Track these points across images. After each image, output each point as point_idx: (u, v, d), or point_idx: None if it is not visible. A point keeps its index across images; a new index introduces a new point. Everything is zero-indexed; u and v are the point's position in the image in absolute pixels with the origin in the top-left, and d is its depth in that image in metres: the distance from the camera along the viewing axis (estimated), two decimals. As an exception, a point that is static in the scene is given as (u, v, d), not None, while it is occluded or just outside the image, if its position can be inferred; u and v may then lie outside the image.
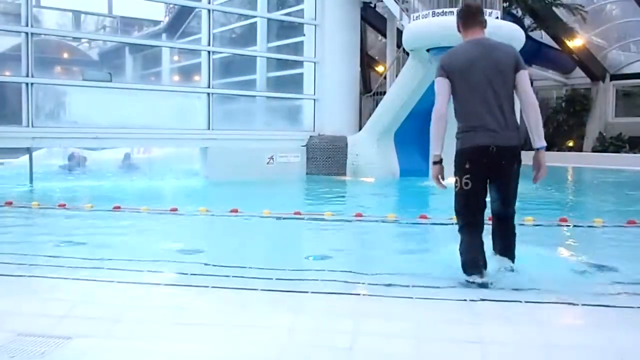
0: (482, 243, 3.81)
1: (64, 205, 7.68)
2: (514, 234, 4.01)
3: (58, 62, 18.51)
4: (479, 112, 3.72)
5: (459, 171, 3.79)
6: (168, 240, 5.69)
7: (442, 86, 3.86)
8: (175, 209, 7.42)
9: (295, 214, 7.07)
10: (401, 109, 12.46)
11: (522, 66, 3.76)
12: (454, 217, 3.98)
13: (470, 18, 3.89)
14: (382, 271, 4.18)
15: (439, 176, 3.86)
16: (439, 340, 2.91)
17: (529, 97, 3.75)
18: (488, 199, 3.91)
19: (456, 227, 3.94)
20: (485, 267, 3.79)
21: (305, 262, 4.64)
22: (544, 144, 3.90)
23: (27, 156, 11.11)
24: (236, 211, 7.18)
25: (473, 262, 3.75)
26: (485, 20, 3.94)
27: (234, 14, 15.66)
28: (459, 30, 3.98)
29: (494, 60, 3.71)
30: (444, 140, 3.83)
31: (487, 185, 3.82)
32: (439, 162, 3.88)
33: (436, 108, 3.84)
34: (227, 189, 10.85)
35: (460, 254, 3.81)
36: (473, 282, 3.69)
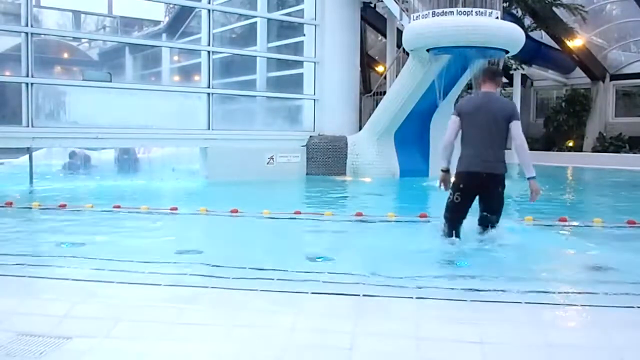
0: (459, 226, 5.10)
1: (64, 205, 7.69)
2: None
3: (58, 62, 18.50)
4: (477, 145, 4.91)
5: (454, 187, 5.04)
6: (168, 240, 5.69)
7: (453, 123, 5.04)
8: (176, 209, 7.42)
9: (295, 213, 7.07)
10: (401, 109, 12.46)
11: (515, 117, 4.90)
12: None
13: (490, 77, 5.14)
14: (381, 271, 4.19)
15: (444, 182, 5.14)
16: (439, 340, 2.91)
17: (518, 142, 4.90)
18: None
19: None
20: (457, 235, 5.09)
21: (305, 262, 4.64)
22: (534, 174, 4.92)
23: (27, 156, 11.11)
24: (236, 211, 7.18)
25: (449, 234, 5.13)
26: (501, 80, 5.35)
27: (234, 14, 15.65)
28: (478, 85, 5.33)
29: (493, 111, 4.90)
30: (452, 155, 5.10)
31: (475, 199, 5.04)
32: (445, 171, 5.13)
33: (445, 138, 5.11)
34: (227, 189, 10.85)
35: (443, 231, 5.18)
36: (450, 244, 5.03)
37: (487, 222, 5.05)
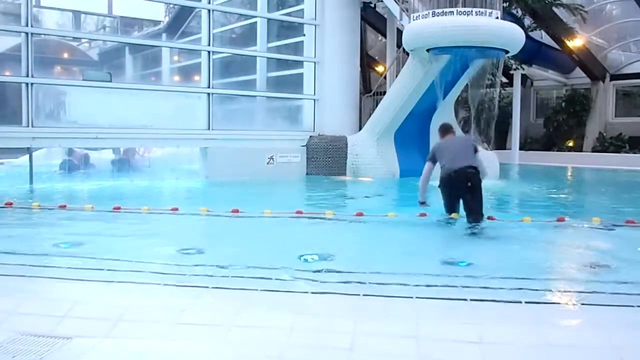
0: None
1: (65, 206, 7.68)
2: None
3: (58, 62, 18.51)
4: (452, 159, 6.39)
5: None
6: (168, 241, 5.69)
7: (427, 169, 6.65)
8: (176, 209, 7.41)
9: (297, 213, 7.07)
10: (401, 109, 12.46)
11: (477, 149, 6.56)
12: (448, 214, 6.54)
13: (445, 132, 6.84)
14: (382, 271, 4.19)
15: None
16: (439, 340, 2.91)
17: (481, 166, 6.46)
18: None
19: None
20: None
21: (305, 262, 4.64)
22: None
23: (27, 156, 11.11)
24: (237, 211, 7.18)
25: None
26: (454, 131, 7.06)
27: (234, 14, 15.65)
28: (440, 136, 6.91)
29: (460, 141, 6.83)
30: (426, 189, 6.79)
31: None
32: (422, 203, 6.80)
33: (422, 178, 6.71)
34: (227, 189, 10.85)
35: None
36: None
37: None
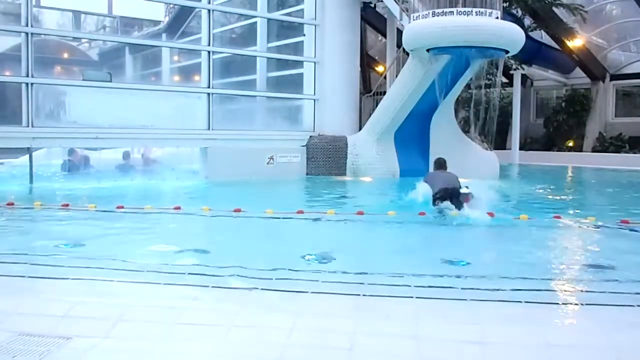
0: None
1: (67, 205, 7.68)
2: None
3: (58, 62, 18.51)
4: (445, 184, 7.53)
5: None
6: (169, 240, 5.69)
7: (424, 184, 7.92)
8: (179, 208, 7.41)
9: (298, 212, 7.08)
10: (401, 109, 12.46)
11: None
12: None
13: (439, 167, 8.37)
14: (382, 271, 4.19)
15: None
16: (439, 340, 2.91)
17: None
18: None
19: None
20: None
21: (305, 261, 4.64)
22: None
23: (27, 156, 11.10)
24: (239, 210, 7.18)
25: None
26: (446, 165, 8.40)
27: (234, 14, 15.65)
28: (434, 168, 8.62)
29: (451, 175, 7.91)
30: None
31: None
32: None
33: (424, 190, 7.82)
34: (228, 189, 10.85)
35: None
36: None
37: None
